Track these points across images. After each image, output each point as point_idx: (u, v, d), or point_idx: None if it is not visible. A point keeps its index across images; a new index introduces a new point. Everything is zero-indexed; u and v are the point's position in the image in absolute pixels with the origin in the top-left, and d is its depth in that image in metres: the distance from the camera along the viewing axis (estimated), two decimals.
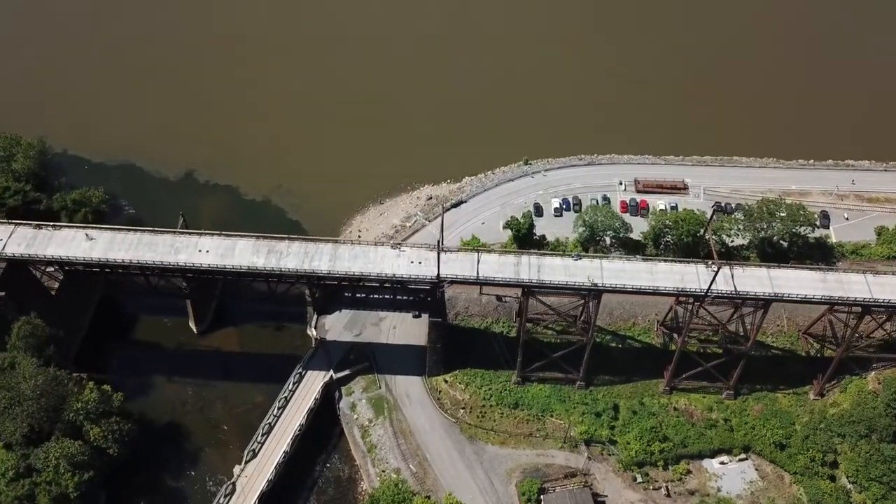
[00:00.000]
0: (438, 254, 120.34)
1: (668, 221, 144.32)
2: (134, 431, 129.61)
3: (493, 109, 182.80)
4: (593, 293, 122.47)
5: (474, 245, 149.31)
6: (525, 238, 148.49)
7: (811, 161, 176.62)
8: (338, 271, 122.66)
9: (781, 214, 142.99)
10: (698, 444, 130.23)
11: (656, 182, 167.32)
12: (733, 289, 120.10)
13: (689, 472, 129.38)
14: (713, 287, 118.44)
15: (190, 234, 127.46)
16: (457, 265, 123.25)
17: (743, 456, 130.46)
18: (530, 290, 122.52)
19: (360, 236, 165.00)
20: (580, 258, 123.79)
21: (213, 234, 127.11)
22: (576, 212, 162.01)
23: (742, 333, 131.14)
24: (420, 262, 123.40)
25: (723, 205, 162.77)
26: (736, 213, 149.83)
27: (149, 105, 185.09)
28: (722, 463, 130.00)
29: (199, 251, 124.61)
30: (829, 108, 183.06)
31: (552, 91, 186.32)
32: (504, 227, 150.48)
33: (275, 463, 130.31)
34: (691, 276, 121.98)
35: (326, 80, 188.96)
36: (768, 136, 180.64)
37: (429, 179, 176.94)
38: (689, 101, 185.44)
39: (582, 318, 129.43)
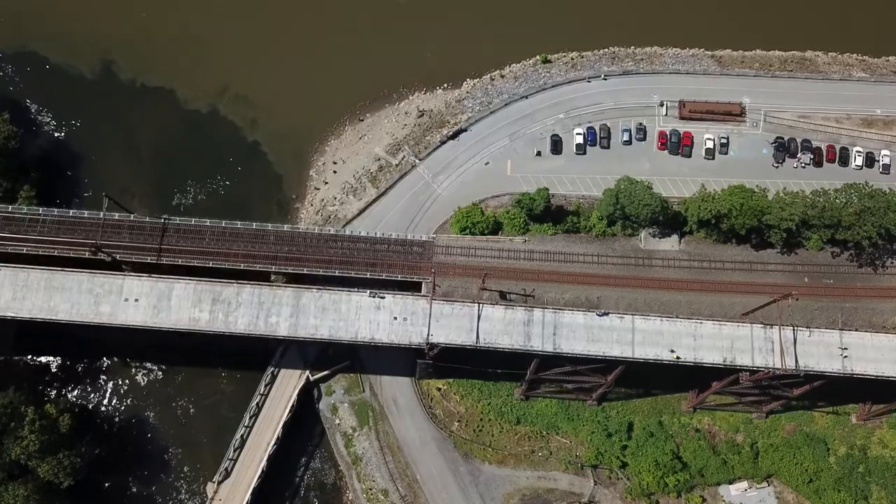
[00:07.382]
0: (430, 327, 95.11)
1: (722, 210, 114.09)
2: (89, 456, 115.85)
3: None
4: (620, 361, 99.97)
5: (471, 218, 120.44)
6: (539, 217, 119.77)
7: None
8: (300, 335, 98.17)
9: (868, 215, 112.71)
10: (718, 474, 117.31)
11: (706, 105, 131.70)
12: (794, 361, 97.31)
13: (703, 500, 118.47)
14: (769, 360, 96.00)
15: (114, 275, 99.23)
16: (451, 322, 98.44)
17: (764, 484, 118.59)
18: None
19: (335, 172, 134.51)
20: (606, 315, 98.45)
21: (140, 276, 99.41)
22: (603, 147, 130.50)
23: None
24: (405, 319, 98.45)
25: (786, 140, 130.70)
26: (805, 192, 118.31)
27: None
28: (740, 490, 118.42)
29: (126, 300, 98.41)
30: None
31: None
32: (513, 205, 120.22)
33: (251, 486, 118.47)
34: (743, 341, 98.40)
35: None
36: (852, 23, 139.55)
37: (420, 84, 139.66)
38: None
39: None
